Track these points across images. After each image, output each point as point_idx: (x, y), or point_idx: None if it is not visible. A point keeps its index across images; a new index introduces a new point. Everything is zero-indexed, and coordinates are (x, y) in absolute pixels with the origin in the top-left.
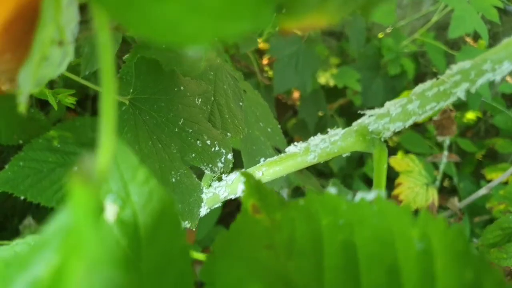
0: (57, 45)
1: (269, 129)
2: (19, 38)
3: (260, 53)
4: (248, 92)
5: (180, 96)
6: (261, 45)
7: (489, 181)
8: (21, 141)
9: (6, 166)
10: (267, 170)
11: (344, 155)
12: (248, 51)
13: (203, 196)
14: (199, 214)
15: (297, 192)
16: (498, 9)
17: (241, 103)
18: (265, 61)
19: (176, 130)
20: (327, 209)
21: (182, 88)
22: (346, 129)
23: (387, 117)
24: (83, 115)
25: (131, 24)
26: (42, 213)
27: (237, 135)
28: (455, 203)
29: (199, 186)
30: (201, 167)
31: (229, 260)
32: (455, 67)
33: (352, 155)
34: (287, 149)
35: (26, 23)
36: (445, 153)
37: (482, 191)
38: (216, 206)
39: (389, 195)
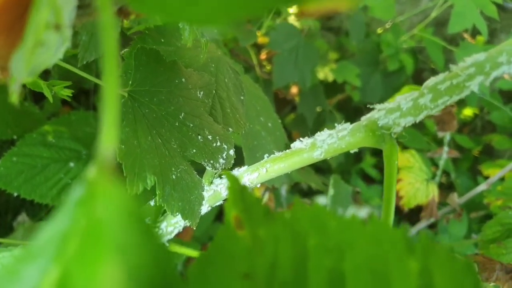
0: (53, 29)
1: (269, 124)
2: (12, 22)
3: (258, 47)
4: (248, 86)
5: (181, 89)
6: (260, 39)
7: (486, 177)
8: (15, 136)
9: None
10: (272, 167)
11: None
12: (247, 45)
13: (204, 193)
14: (200, 212)
15: (295, 187)
16: (497, 5)
17: (242, 97)
18: (263, 55)
19: (177, 124)
20: (315, 226)
21: (183, 80)
22: (355, 124)
23: (398, 112)
24: (78, 110)
25: (140, 3)
26: (36, 210)
27: (238, 130)
28: (455, 199)
29: (200, 183)
30: (202, 163)
31: None
32: (469, 60)
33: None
34: (292, 145)
35: (20, 6)
36: (446, 148)
37: (482, 187)
38: (217, 204)
39: None
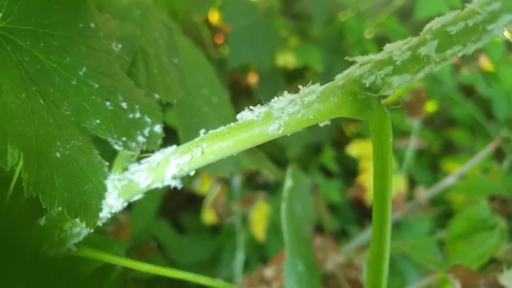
0: None
1: (214, 99)
2: None
3: (215, 31)
4: (188, 51)
5: (87, 36)
6: (214, 19)
7: (446, 173)
8: None
9: None
10: (210, 147)
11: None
12: (200, 24)
13: (116, 183)
14: (101, 209)
15: (251, 180)
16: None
17: (176, 61)
18: (218, 37)
19: (74, 82)
20: None
21: (92, 25)
22: (327, 84)
23: (390, 66)
24: None
25: None
26: None
27: (169, 98)
28: (422, 193)
29: (103, 167)
30: (109, 140)
31: None
32: None
33: (309, 141)
34: (239, 116)
35: None
36: (413, 137)
37: (449, 180)
38: (136, 198)
39: (351, 183)
